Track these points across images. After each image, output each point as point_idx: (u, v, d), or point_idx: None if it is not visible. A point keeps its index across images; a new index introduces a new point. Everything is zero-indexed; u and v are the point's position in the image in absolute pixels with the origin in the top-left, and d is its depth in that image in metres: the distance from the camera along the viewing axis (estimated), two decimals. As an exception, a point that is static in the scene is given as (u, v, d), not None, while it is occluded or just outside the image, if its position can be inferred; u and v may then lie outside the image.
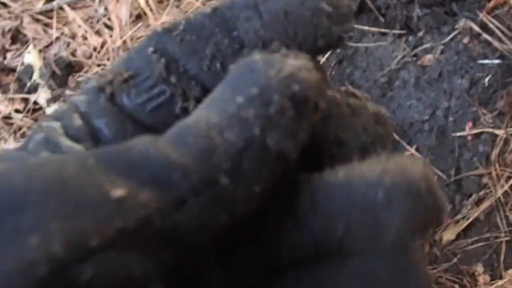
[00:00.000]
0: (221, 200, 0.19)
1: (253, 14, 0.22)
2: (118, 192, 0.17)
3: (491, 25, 0.99)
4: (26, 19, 1.00)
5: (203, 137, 0.19)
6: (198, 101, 0.22)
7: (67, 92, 0.95)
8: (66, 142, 0.22)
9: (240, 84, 0.20)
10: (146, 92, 0.22)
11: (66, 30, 1.01)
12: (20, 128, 0.96)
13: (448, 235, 1.03)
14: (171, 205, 0.18)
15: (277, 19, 0.22)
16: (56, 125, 0.22)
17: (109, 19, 1.02)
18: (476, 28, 1.00)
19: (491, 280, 0.90)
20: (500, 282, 0.88)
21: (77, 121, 0.22)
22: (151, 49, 0.22)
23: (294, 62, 0.20)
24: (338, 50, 1.08)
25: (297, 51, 0.21)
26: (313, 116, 0.20)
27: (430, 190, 0.19)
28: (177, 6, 1.04)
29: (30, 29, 1.01)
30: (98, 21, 1.02)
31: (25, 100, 0.97)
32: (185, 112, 0.22)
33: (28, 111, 0.97)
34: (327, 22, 0.22)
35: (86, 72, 0.97)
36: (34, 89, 0.97)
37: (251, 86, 0.19)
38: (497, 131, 0.98)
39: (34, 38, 1.00)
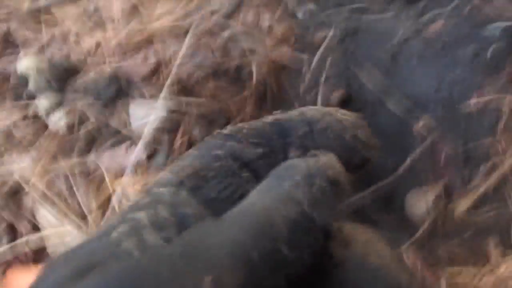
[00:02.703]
0: (282, 266, 0.25)
1: (307, 131, 0.31)
2: (207, 283, 0.22)
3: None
4: (14, 24, 1.08)
5: (263, 215, 0.26)
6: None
7: (67, 99, 1.05)
8: (150, 236, 0.27)
9: (284, 176, 0.28)
10: (219, 184, 0.30)
11: (57, 31, 1.09)
12: (20, 141, 1.05)
13: (460, 207, 1.16)
14: (247, 276, 0.23)
15: (325, 138, 0.31)
16: (141, 215, 0.28)
17: (100, 16, 1.10)
18: (477, -3, 1.10)
19: (503, 252, 1.03)
20: (510, 256, 1.01)
21: (164, 211, 0.28)
22: (220, 151, 0.30)
23: (325, 157, 0.29)
24: (340, 29, 1.18)
25: None
26: (344, 197, 0.28)
27: None
28: (170, -3, 1.13)
29: (19, 33, 1.09)
30: (89, 19, 1.11)
31: (23, 111, 1.06)
32: None
33: (28, 122, 1.06)
34: (360, 147, 0.32)
35: (83, 76, 1.06)
36: (31, 98, 1.06)
37: (295, 175, 0.28)
38: (504, 101, 1.09)
39: (24, 43, 1.08)
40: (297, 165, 0.29)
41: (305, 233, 0.27)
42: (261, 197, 0.27)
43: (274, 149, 0.31)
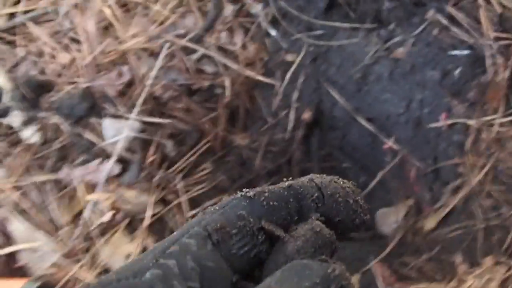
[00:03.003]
0: None
1: (319, 195, 0.37)
2: None
3: (458, 17, 1.14)
4: (-11, 39, 1.11)
5: None
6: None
7: (40, 114, 1.07)
8: (178, 284, 0.31)
9: (303, 275, 0.32)
10: (239, 242, 0.34)
11: (32, 47, 1.13)
12: (-5, 153, 1.07)
13: (429, 223, 1.20)
14: None
15: (334, 201, 0.38)
16: (172, 263, 0.32)
17: (75, 33, 1.14)
18: (444, 20, 1.15)
19: (469, 268, 1.07)
20: (478, 271, 1.05)
21: (190, 262, 0.32)
22: (243, 212, 0.35)
23: (339, 266, 0.33)
24: (312, 48, 1.21)
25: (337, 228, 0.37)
26: None
27: None
28: (145, 15, 1.16)
29: (-6, 49, 1.12)
30: (64, 36, 1.14)
31: (-2, 124, 1.08)
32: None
33: (2, 136, 1.08)
34: (360, 210, 0.38)
35: (57, 91, 1.09)
36: (5, 112, 1.09)
37: (313, 277, 0.32)
38: (469, 121, 1.14)
39: (0, 59, 1.11)
40: (314, 268, 0.33)
41: None
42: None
43: (291, 211, 0.36)
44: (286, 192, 0.36)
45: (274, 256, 0.35)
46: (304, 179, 0.37)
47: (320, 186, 0.37)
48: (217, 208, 0.36)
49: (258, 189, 0.36)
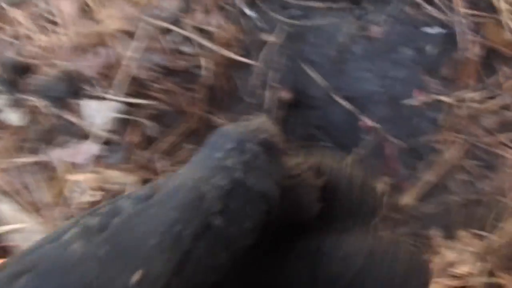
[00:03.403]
0: (218, 240, 0.24)
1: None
2: (135, 278, 0.22)
3: (430, -5, 1.19)
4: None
5: (194, 188, 0.25)
6: None
7: (19, 96, 1.09)
8: (98, 235, 0.25)
9: (216, 145, 0.27)
10: None
11: (8, 30, 1.14)
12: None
13: (407, 199, 1.24)
14: (181, 262, 0.23)
15: None
16: (94, 222, 0.26)
17: (52, 14, 1.15)
18: (416, -2, 1.19)
19: (446, 241, 1.12)
20: (453, 244, 1.10)
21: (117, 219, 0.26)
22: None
23: (257, 120, 0.28)
24: (288, 28, 1.25)
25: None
26: (281, 159, 0.28)
27: None
28: (122, -4, 1.18)
29: (-31, 32, 1.13)
30: (41, 17, 1.15)
31: (-24, 108, 1.10)
32: None
33: (-19, 119, 1.10)
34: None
35: (35, 73, 1.10)
36: (-16, 95, 1.10)
37: (226, 144, 0.27)
38: (443, 98, 1.18)
39: (-25, 42, 1.12)
40: (229, 133, 0.28)
41: (241, 202, 0.26)
42: (191, 171, 0.26)
43: None
44: None
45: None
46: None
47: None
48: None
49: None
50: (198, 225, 0.24)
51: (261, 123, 0.28)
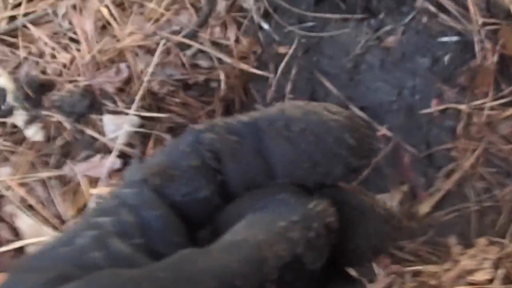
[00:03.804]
0: None
1: (284, 131, 0.29)
2: None
3: (446, 4, 1.20)
4: (-9, 42, 1.18)
5: (256, 249, 0.25)
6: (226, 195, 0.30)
7: (43, 112, 1.14)
8: (116, 243, 0.26)
9: (279, 213, 0.27)
10: (184, 185, 0.28)
11: (33, 48, 1.20)
12: (1, 152, 1.14)
13: (424, 207, 1.25)
14: None
15: (303, 140, 0.29)
16: (106, 220, 0.26)
17: (74, 33, 1.20)
18: (432, 8, 1.20)
19: (463, 249, 1.13)
20: (471, 252, 1.11)
21: (127, 216, 0.27)
22: (188, 148, 0.29)
23: (323, 203, 0.28)
24: (303, 40, 1.27)
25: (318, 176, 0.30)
26: (333, 240, 0.28)
27: None
28: (141, 13, 1.22)
29: (-3, 51, 1.18)
30: (64, 36, 1.20)
31: (3, 124, 1.15)
32: (223, 204, 0.29)
33: (7, 135, 1.15)
34: (347, 153, 0.29)
35: (58, 90, 1.15)
36: (9, 112, 1.15)
37: (292, 215, 0.27)
38: (460, 106, 1.19)
39: (2, 60, 1.18)
40: (293, 205, 0.28)
41: (295, 275, 0.27)
42: (253, 232, 0.27)
43: (247, 149, 0.29)
44: (243, 127, 0.29)
45: (238, 200, 0.29)
46: (274, 108, 0.30)
47: (289, 119, 0.29)
48: (163, 147, 0.30)
49: (209, 121, 0.30)
50: (255, 284, 0.25)
51: (327, 208, 0.28)
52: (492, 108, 1.24)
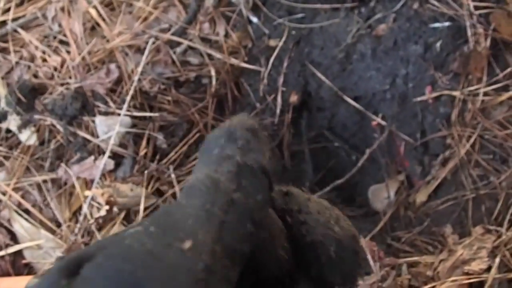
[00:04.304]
0: (242, 211, 0.31)
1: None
2: (187, 245, 0.28)
3: (435, -10, 1.19)
4: (-17, 48, 1.20)
5: (205, 179, 0.32)
6: None
7: (36, 116, 1.15)
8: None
9: (210, 145, 0.34)
10: None
11: (24, 53, 1.22)
12: (-4, 156, 1.17)
13: (421, 196, 1.26)
14: (219, 231, 0.30)
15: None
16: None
17: (64, 35, 1.21)
18: (422, -6, 1.20)
19: (460, 238, 1.12)
20: (467, 241, 1.11)
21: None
22: None
23: (237, 116, 0.34)
24: (294, 32, 1.27)
25: None
26: (265, 140, 0.35)
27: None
28: (130, 13, 1.23)
29: (-12, 57, 1.20)
30: (54, 39, 1.22)
31: (-3, 128, 1.17)
32: None
33: (2, 140, 1.17)
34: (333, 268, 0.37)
35: (50, 93, 1.17)
36: (3, 117, 1.17)
37: (218, 140, 0.33)
38: (454, 93, 1.18)
39: (-6, 66, 1.20)
40: (217, 132, 0.34)
41: (249, 178, 0.32)
42: (199, 171, 0.33)
43: None
44: None
45: None
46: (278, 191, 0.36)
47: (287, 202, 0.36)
48: None
49: None
50: (223, 201, 0.30)
51: (241, 117, 0.34)
52: (486, 94, 1.22)
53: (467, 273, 1.13)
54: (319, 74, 1.31)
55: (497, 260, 1.11)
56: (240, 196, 0.31)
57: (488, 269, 1.11)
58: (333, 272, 0.36)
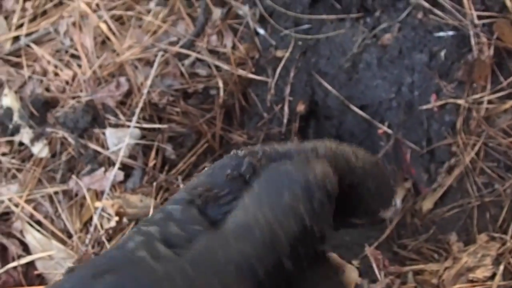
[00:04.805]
0: (284, 277, 0.30)
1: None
2: None
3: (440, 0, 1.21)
4: (-3, 63, 1.24)
5: (268, 230, 0.29)
6: None
7: (48, 129, 1.19)
8: (161, 247, 0.30)
9: (282, 186, 0.31)
10: (226, 205, 0.33)
11: (37, 67, 1.25)
12: (9, 170, 1.20)
13: (427, 204, 1.27)
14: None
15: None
16: (154, 229, 0.31)
17: (75, 49, 1.25)
18: (427, 4, 1.21)
19: (465, 246, 1.14)
20: (472, 248, 1.12)
21: (174, 228, 0.31)
22: (229, 170, 0.33)
23: (319, 165, 0.32)
24: (300, 43, 1.30)
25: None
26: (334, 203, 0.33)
27: None
28: (139, 26, 1.26)
29: (2, 71, 1.24)
30: (66, 53, 1.25)
31: (10, 143, 1.21)
32: None
33: (15, 153, 1.21)
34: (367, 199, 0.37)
35: (62, 106, 1.20)
36: (16, 130, 1.21)
37: (294, 187, 0.30)
38: (459, 101, 1.20)
39: (7, 80, 1.23)
40: (293, 174, 0.31)
41: (306, 246, 0.30)
42: (261, 209, 0.30)
43: None
44: (281, 155, 0.34)
45: None
46: (308, 143, 0.35)
47: (317, 153, 0.34)
48: (207, 170, 0.34)
49: (251, 148, 0.35)
50: (271, 263, 0.29)
51: (324, 171, 0.32)
52: (490, 102, 1.24)
53: (471, 281, 1.14)
54: (325, 84, 1.33)
55: (502, 267, 1.13)
56: (291, 264, 0.30)
57: (493, 276, 1.13)
58: (376, 202, 0.37)
